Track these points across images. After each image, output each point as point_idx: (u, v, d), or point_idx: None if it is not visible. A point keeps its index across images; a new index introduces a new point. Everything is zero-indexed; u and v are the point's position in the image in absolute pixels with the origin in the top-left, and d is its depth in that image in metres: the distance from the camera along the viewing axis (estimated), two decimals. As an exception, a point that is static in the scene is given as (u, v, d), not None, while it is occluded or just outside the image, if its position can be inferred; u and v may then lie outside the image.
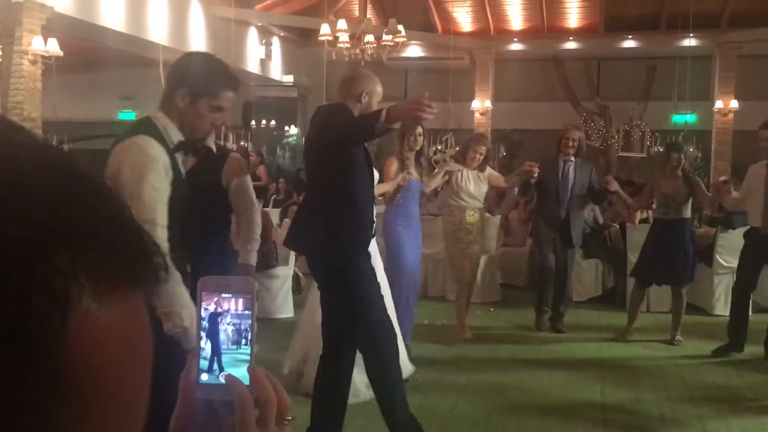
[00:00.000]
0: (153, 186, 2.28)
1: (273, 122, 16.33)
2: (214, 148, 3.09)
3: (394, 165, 5.36)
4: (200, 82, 2.47)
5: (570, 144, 6.27)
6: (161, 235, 2.27)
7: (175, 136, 2.44)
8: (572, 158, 6.29)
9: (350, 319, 3.41)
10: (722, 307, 6.91)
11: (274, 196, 12.07)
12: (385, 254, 5.22)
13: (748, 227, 5.87)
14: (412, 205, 5.47)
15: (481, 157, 6.00)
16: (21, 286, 0.36)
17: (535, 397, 4.67)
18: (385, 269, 4.87)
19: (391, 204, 5.41)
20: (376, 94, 3.48)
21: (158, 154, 2.33)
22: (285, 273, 6.95)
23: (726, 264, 7.03)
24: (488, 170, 6.17)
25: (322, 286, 3.53)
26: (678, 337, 6.05)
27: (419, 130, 5.37)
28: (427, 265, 7.69)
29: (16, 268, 0.36)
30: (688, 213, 6.04)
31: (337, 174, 3.35)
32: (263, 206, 7.42)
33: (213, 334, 0.62)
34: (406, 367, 4.55)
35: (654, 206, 6.35)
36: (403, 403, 3.57)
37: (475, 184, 6.00)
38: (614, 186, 6.16)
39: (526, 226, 8.49)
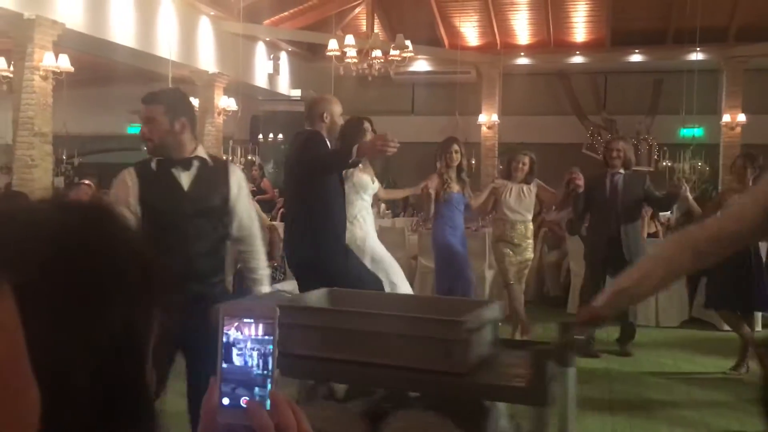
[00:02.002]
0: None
1: (280, 136, 16.39)
2: (207, 158, 3.00)
3: (433, 180, 5.87)
4: None
5: (615, 155, 5.96)
6: None
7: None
8: (621, 171, 5.98)
9: None
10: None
11: (281, 210, 12.08)
12: (436, 262, 6.04)
13: None
14: (456, 216, 5.92)
15: (525, 167, 6.10)
16: None
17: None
18: (437, 274, 5.96)
19: (438, 217, 5.91)
20: (335, 113, 4.17)
21: (126, 174, 2.96)
22: (292, 287, 6.94)
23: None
24: (537, 183, 6.18)
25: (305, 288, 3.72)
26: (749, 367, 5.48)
27: (455, 147, 5.86)
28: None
29: None
30: None
31: (316, 190, 4.04)
32: (270, 220, 7.43)
33: (234, 359, 0.63)
34: None
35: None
36: None
37: (516, 197, 6.06)
38: (685, 191, 5.90)
39: (534, 239, 8.46)
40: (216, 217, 2.98)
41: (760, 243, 6.19)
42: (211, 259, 2.98)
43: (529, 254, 6.29)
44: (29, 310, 0.44)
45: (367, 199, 5.10)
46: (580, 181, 5.82)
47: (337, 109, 4.18)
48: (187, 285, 2.69)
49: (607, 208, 5.91)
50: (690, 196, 6.13)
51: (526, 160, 6.13)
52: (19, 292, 0.44)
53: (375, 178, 5.12)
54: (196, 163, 2.95)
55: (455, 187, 5.87)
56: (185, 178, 2.93)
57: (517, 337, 5.98)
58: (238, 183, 3.04)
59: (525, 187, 6.10)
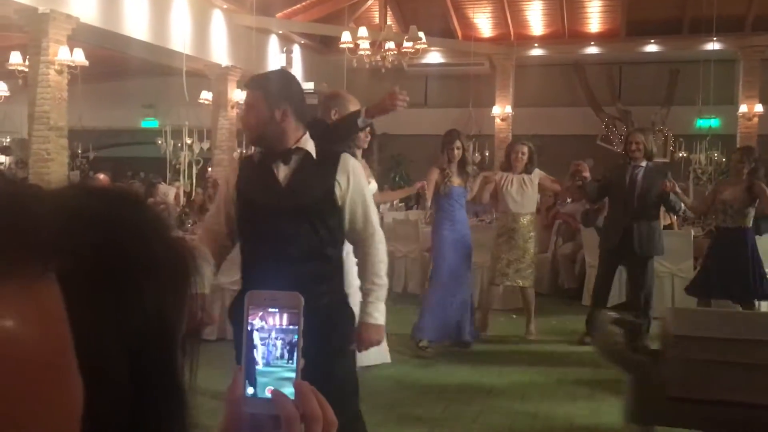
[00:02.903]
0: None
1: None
2: (311, 150, 2.63)
3: (433, 173, 5.70)
4: None
5: (634, 147, 5.84)
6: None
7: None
8: (642, 163, 5.83)
9: None
10: None
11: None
12: (432, 256, 5.93)
13: None
14: (457, 210, 5.79)
15: (524, 157, 6.03)
16: None
17: (562, 404, 4.63)
18: (433, 268, 5.79)
19: (438, 210, 5.82)
20: (347, 111, 3.78)
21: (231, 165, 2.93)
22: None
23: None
24: (538, 173, 6.13)
25: None
26: None
27: (457, 143, 5.72)
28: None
29: None
30: (748, 222, 5.71)
31: None
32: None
33: (259, 348, 0.62)
34: (382, 355, 4.41)
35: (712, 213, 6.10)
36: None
37: (518, 188, 6.01)
38: (671, 187, 5.74)
39: (548, 231, 8.45)
40: (318, 216, 2.57)
41: (756, 233, 6.29)
42: (313, 266, 2.55)
43: (531, 248, 6.18)
44: (70, 297, 0.44)
45: None
46: (587, 173, 5.94)
47: (351, 107, 3.81)
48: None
49: (624, 200, 5.83)
50: (679, 193, 5.91)
51: (525, 149, 6.06)
52: (63, 280, 0.44)
53: (372, 179, 4.77)
54: (296, 155, 2.62)
55: (456, 181, 5.72)
56: (283, 172, 2.61)
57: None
58: (349, 176, 2.62)
59: (526, 178, 6.03)
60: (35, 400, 0.42)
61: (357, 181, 2.64)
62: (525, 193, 6.03)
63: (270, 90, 2.66)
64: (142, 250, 0.49)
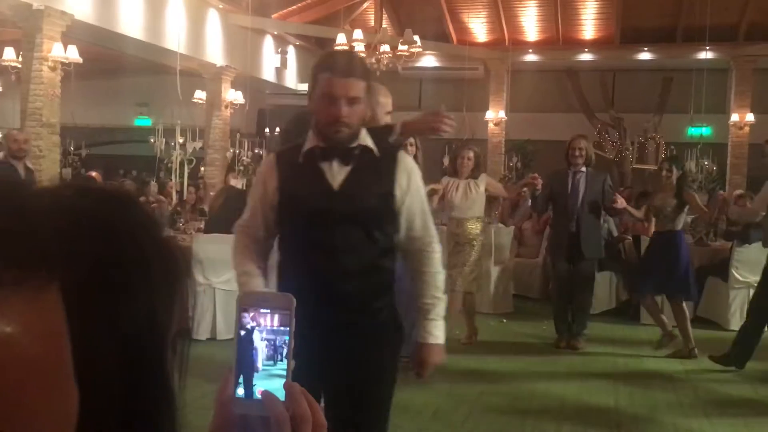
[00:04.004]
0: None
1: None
2: (373, 147, 2.27)
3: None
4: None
5: (577, 153, 6.11)
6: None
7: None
8: (583, 169, 6.13)
9: None
10: (737, 322, 6.83)
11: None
12: None
13: None
14: None
15: (470, 162, 5.92)
16: None
17: (549, 409, 4.65)
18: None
19: None
20: (380, 105, 3.20)
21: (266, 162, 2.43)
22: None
23: (742, 279, 6.97)
24: (485, 178, 6.07)
25: None
26: (695, 349, 5.95)
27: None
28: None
29: None
30: (679, 226, 6.00)
31: None
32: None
33: (250, 350, 0.63)
34: None
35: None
36: None
37: (463, 193, 5.93)
38: (621, 204, 6.05)
39: (539, 236, 8.47)
40: (376, 222, 2.25)
41: (685, 233, 6.68)
42: (368, 279, 2.25)
43: (476, 253, 6.01)
44: (70, 306, 0.45)
45: None
46: (539, 183, 6.14)
47: (383, 100, 3.23)
48: (329, 310, 2.16)
49: (568, 204, 6.11)
50: (627, 207, 6.25)
51: (471, 154, 5.97)
52: (64, 289, 0.44)
53: None
54: (358, 154, 2.24)
55: None
56: (338, 172, 2.23)
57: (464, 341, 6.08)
58: (408, 175, 2.29)
59: (472, 183, 5.92)
60: (31, 406, 0.42)
61: (417, 182, 2.31)
62: (469, 198, 5.94)
63: (369, 80, 2.25)
64: (136, 254, 0.49)
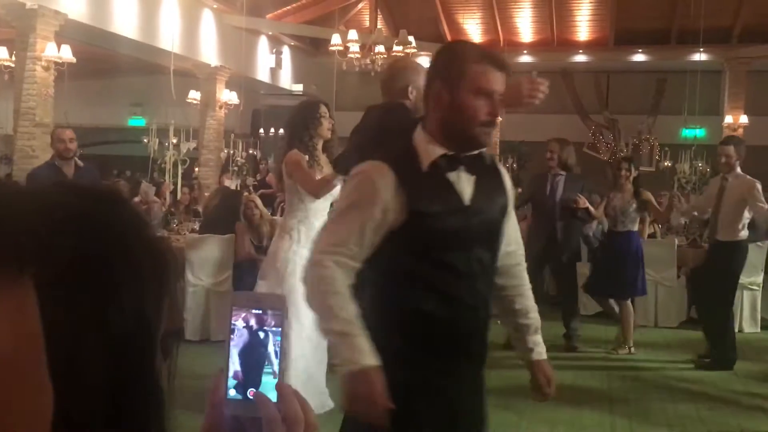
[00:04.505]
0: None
1: (281, 131, 16.39)
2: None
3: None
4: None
5: (549, 156, 6.18)
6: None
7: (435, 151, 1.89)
8: (562, 173, 6.18)
9: None
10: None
11: (282, 204, 12.08)
12: None
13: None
14: None
15: None
16: None
17: (542, 410, 4.64)
18: None
19: None
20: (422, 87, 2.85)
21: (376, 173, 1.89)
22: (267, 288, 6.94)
23: (735, 279, 7.00)
24: None
25: None
26: (632, 349, 6.07)
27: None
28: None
29: None
30: (634, 226, 6.09)
31: None
32: (271, 214, 7.44)
33: (242, 350, 0.62)
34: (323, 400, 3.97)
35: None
36: None
37: None
38: (583, 203, 6.09)
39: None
40: (499, 241, 1.99)
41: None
42: (490, 305, 2.01)
43: None
44: (46, 301, 0.44)
45: (315, 207, 3.95)
46: None
47: (421, 82, 2.71)
48: (469, 351, 1.95)
49: (546, 206, 6.17)
50: (589, 209, 6.22)
51: None
52: (39, 284, 0.43)
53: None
54: (479, 160, 1.94)
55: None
56: (468, 185, 1.90)
57: None
58: (510, 186, 2.05)
59: None
60: (1, 403, 0.42)
61: (511, 192, 2.05)
62: None
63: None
64: (120, 251, 0.48)
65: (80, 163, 5.56)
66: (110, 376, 0.47)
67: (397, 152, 1.94)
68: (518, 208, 6.76)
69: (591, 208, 6.48)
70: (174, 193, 9.89)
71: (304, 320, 3.60)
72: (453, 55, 1.91)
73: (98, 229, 0.48)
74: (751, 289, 7.00)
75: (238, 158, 12.41)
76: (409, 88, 2.96)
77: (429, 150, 1.88)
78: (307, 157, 3.92)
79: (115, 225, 0.49)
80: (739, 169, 5.58)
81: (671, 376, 5.56)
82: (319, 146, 4.00)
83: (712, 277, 5.66)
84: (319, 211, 3.96)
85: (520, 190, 6.43)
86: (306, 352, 3.83)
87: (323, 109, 4.02)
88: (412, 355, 1.86)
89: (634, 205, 5.99)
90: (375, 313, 1.85)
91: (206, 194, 9.09)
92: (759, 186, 5.52)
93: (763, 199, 5.49)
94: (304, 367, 3.86)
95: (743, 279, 6.45)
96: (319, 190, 3.83)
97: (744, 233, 5.62)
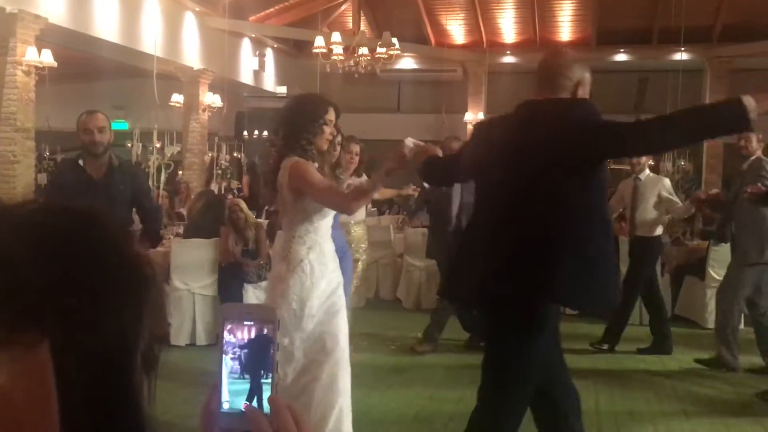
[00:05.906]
0: None
1: (265, 133, 16.34)
2: None
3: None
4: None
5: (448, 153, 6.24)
6: None
7: None
8: None
9: None
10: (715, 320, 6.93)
11: (266, 207, 12.03)
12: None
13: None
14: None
15: (357, 158, 5.15)
16: None
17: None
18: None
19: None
20: (589, 83, 2.83)
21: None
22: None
23: (718, 277, 7.02)
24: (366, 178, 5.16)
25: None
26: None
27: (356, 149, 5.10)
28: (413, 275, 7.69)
29: None
30: None
31: (579, 186, 2.61)
32: (256, 217, 7.41)
33: (233, 363, 0.61)
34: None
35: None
36: None
37: None
38: None
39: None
40: None
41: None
42: None
43: (361, 261, 5.37)
44: (55, 348, 0.46)
45: (324, 226, 3.13)
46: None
47: (588, 76, 2.87)
48: None
49: (444, 206, 5.94)
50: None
51: (358, 149, 5.17)
52: (53, 346, 0.44)
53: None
54: None
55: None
56: None
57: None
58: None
59: (358, 181, 4.82)
60: None
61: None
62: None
63: None
64: (100, 269, 0.48)
65: (116, 160, 4.21)
66: (90, 396, 0.47)
67: None
68: (413, 211, 7.08)
69: None
70: (157, 197, 9.82)
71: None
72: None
73: (78, 247, 0.48)
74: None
75: (222, 161, 12.35)
76: (579, 84, 2.82)
77: None
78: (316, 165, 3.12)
79: (94, 241, 0.49)
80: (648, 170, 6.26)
81: (657, 376, 5.60)
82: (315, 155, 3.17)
83: (633, 270, 6.32)
84: (327, 231, 3.15)
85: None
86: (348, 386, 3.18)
87: (332, 113, 3.18)
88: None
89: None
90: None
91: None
92: (668, 182, 6.34)
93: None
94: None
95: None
96: (351, 203, 3.02)
97: (659, 230, 6.27)
